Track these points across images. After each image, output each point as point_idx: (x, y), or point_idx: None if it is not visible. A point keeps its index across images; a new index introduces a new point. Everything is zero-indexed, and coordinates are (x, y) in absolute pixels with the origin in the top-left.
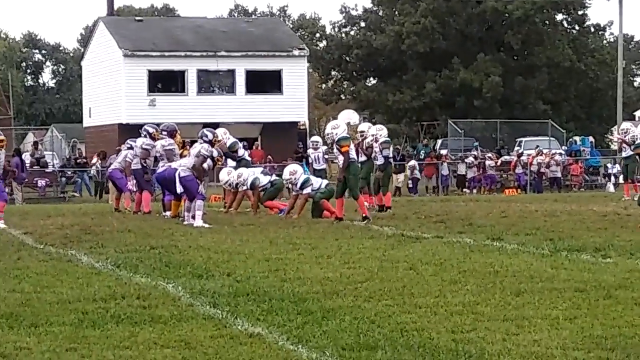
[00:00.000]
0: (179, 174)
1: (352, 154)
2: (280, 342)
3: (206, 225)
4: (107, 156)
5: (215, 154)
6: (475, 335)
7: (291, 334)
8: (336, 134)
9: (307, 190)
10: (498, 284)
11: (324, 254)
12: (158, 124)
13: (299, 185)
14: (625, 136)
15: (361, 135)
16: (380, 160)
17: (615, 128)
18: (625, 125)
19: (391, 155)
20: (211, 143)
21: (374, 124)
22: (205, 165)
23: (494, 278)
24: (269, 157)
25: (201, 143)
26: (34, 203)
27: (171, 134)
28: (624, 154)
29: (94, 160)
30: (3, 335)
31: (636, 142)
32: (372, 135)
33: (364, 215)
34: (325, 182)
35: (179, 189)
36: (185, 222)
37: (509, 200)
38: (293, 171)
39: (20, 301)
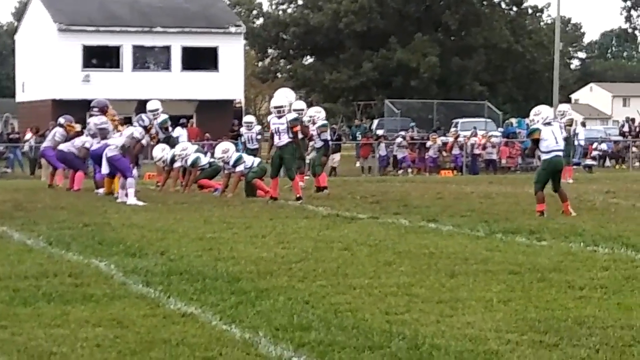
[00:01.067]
0: (106, 154)
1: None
2: (214, 322)
3: (140, 203)
4: (39, 131)
5: (144, 141)
6: (409, 317)
7: (224, 313)
8: (319, 117)
9: (240, 168)
10: (433, 266)
11: (258, 233)
12: (90, 102)
13: (231, 163)
14: (561, 119)
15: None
16: (319, 144)
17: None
18: (562, 107)
19: (329, 138)
20: (146, 129)
21: (310, 103)
22: (143, 142)
23: (429, 260)
24: (207, 135)
25: (135, 126)
26: None
27: (102, 109)
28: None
29: (28, 135)
30: None
31: (531, 127)
32: (310, 116)
33: (297, 195)
34: (257, 160)
35: (105, 168)
36: (119, 200)
37: (444, 182)
38: (225, 149)
39: None
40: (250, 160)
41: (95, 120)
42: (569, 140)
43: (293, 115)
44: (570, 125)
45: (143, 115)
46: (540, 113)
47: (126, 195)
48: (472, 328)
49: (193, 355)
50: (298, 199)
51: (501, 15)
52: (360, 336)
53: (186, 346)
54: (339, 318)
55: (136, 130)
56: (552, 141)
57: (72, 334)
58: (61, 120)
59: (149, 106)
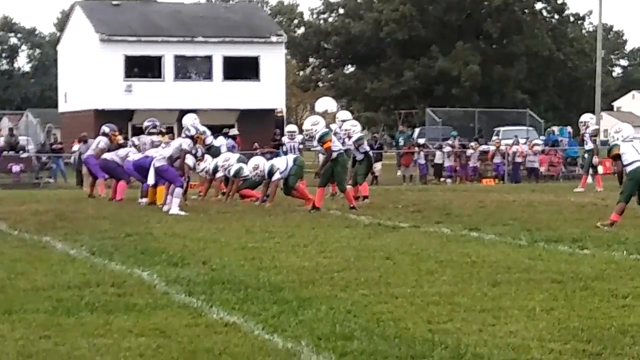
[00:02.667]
0: (154, 165)
1: (336, 144)
2: (256, 331)
3: (182, 213)
4: (87, 141)
5: (199, 153)
6: (451, 326)
7: (267, 323)
8: (315, 130)
9: (276, 176)
10: (475, 275)
11: (300, 242)
12: (132, 112)
13: (266, 175)
14: (585, 129)
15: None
16: (359, 156)
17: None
18: (584, 117)
19: (368, 148)
20: (193, 139)
21: (352, 112)
22: (189, 162)
23: (471, 268)
24: (255, 144)
25: (184, 137)
26: (8, 189)
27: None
28: (586, 147)
29: (76, 147)
30: None
31: (610, 144)
32: (346, 130)
33: (351, 205)
34: (291, 158)
35: (152, 179)
36: (165, 208)
37: (486, 190)
38: (255, 166)
39: None
40: (283, 163)
41: (154, 139)
42: (594, 150)
43: (324, 130)
44: (596, 135)
45: (189, 126)
46: (621, 131)
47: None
48: (514, 337)
49: None
50: (352, 208)
51: (543, 23)
52: (403, 345)
53: (229, 355)
54: (381, 327)
55: (184, 142)
56: (633, 154)
57: (115, 343)
58: (105, 129)
59: (185, 121)
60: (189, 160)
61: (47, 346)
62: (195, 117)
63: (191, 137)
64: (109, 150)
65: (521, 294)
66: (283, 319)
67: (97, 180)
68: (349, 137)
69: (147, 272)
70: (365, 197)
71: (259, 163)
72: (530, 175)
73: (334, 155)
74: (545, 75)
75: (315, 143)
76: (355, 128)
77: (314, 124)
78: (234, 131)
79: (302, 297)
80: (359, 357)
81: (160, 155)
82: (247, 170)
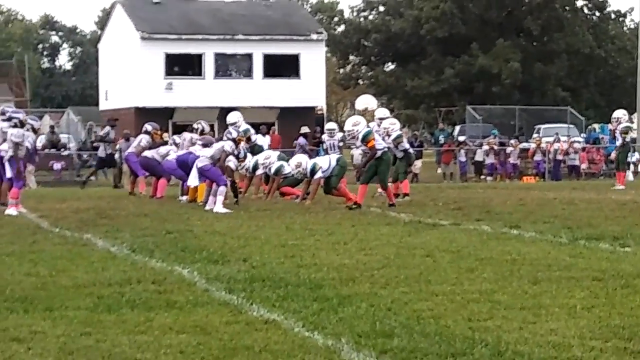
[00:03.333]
0: (196, 165)
1: (380, 142)
2: (296, 328)
3: (227, 211)
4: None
5: (242, 154)
6: (492, 324)
7: (307, 320)
8: (357, 130)
9: (318, 175)
10: (515, 272)
11: (340, 240)
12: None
13: (309, 174)
14: (617, 125)
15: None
16: (399, 154)
17: (635, 115)
18: (617, 114)
19: (408, 146)
20: (235, 141)
21: (392, 109)
22: (232, 165)
23: (511, 266)
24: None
25: (225, 140)
26: (50, 186)
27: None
28: (617, 143)
29: (119, 143)
30: (18, 319)
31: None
32: (384, 128)
33: (390, 202)
34: (334, 157)
35: (194, 180)
36: (208, 207)
37: (527, 188)
38: (298, 164)
39: (35, 285)
40: (326, 162)
41: (194, 136)
42: (625, 146)
43: (367, 129)
44: (627, 133)
45: (231, 128)
46: None
47: (214, 203)
48: (555, 335)
49: None
50: (391, 205)
51: (583, 20)
52: (443, 343)
53: (269, 353)
54: (421, 325)
55: (227, 144)
56: None
57: (155, 340)
58: (148, 127)
59: (229, 119)
60: (231, 163)
61: (88, 343)
62: (240, 115)
63: (233, 140)
64: (150, 148)
65: (562, 292)
66: (323, 316)
67: (137, 178)
68: (388, 135)
69: (187, 270)
70: (405, 195)
71: (301, 161)
72: (571, 173)
73: (379, 153)
74: (586, 72)
75: (358, 143)
76: (394, 126)
77: (355, 125)
78: (305, 129)
79: (342, 295)
80: (399, 354)
81: (202, 155)
82: (288, 168)
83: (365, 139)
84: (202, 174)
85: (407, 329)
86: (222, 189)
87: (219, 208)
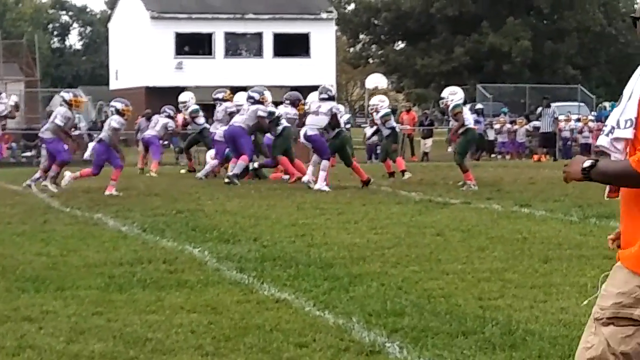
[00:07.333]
0: (305, 133)
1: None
2: (307, 307)
3: (327, 189)
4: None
5: (275, 110)
6: (502, 303)
7: (318, 299)
8: (381, 106)
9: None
10: (526, 251)
11: (351, 219)
12: (182, 89)
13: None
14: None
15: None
16: (385, 132)
17: None
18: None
19: (395, 124)
20: (260, 102)
21: (402, 88)
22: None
23: (522, 245)
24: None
25: (251, 104)
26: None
27: (294, 103)
28: None
29: (139, 121)
30: (29, 299)
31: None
32: (373, 105)
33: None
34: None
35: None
36: (316, 186)
37: (537, 167)
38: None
39: (46, 265)
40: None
41: (288, 110)
42: None
43: (385, 110)
44: None
45: (250, 92)
46: None
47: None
48: (566, 313)
49: (287, 340)
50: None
51: None
52: (454, 322)
53: (280, 332)
54: (432, 304)
55: (259, 108)
56: None
57: (166, 320)
58: (170, 112)
59: (180, 98)
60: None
61: (100, 322)
62: (192, 95)
63: (259, 102)
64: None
65: (572, 270)
66: (334, 295)
67: (153, 161)
68: (377, 112)
69: (198, 249)
70: (403, 172)
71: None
72: (582, 151)
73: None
74: (597, 50)
75: (377, 117)
76: (383, 104)
77: (381, 101)
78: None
79: (353, 274)
80: (409, 333)
81: (312, 125)
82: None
83: (384, 117)
84: (310, 142)
85: (417, 307)
86: (324, 163)
87: (321, 185)
